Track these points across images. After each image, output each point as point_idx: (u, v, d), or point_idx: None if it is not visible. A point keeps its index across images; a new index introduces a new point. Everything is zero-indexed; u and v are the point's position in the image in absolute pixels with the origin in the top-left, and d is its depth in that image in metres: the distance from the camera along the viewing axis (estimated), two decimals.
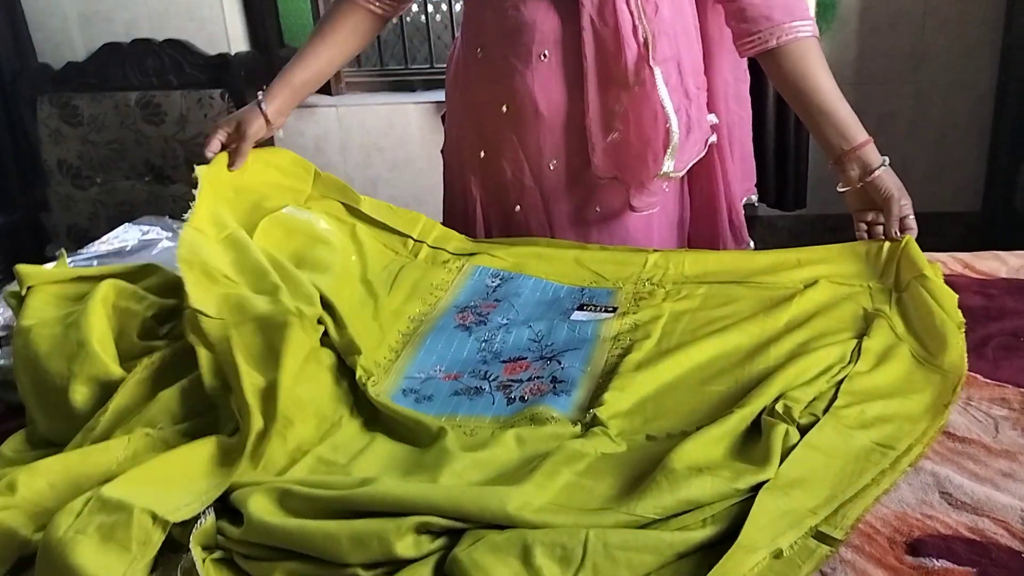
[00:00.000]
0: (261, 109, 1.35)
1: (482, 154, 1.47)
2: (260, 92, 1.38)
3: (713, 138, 1.44)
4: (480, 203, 1.51)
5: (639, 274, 1.30)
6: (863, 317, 1.12)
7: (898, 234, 1.26)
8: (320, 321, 1.06)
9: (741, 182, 1.56)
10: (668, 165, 1.33)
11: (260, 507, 0.79)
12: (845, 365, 1.01)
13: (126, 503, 0.75)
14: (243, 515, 0.80)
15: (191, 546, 0.76)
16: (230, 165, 1.28)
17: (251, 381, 0.93)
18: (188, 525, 0.78)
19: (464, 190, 1.52)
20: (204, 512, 0.80)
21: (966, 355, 1.04)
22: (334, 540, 0.75)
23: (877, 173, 1.28)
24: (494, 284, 1.31)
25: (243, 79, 2.59)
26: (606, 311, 1.20)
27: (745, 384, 1.00)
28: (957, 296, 1.14)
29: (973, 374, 1.03)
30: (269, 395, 0.92)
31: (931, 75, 2.77)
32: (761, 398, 0.94)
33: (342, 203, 1.37)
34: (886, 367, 1.02)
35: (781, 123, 2.65)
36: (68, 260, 1.24)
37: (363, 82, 3.16)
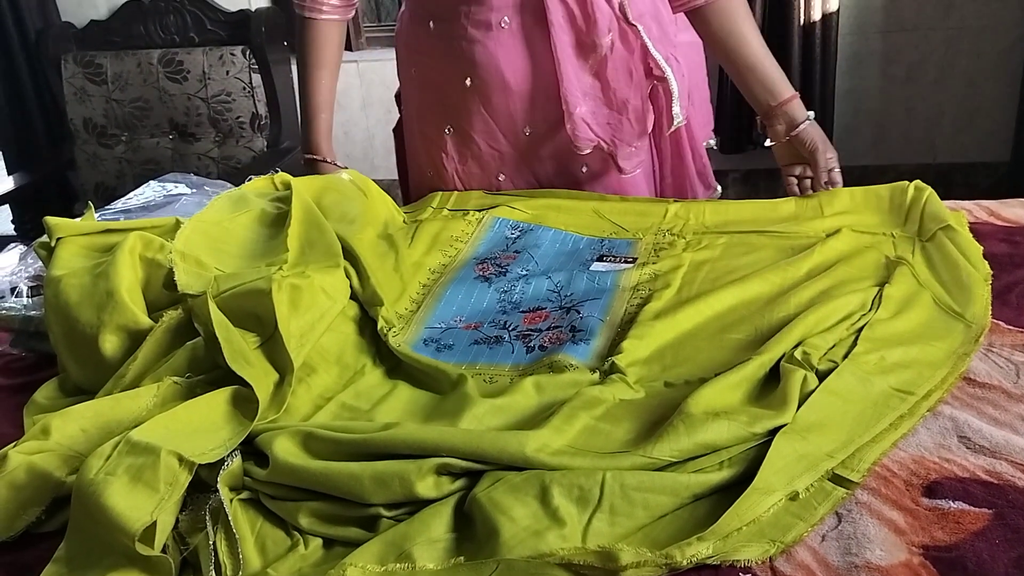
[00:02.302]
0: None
1: (448, 130, 1.42)
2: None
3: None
4: (459, 177, 1.46)
5: (659, 224, 1.29)
6: (885, 265, 1.12)
7: (826, 185, 1.28)
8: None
9: (702, 127, 1.54)
10: (676, 112, 1.33)
11: (285, 449, 0.81)
12: (866, 312, 1.01)
13: (153, 446, 0.77)
14: (268, 457, 0.82)
15: (219, 486, 0.78)
16: None
17: (248, 339, 0.95)
18: (216, 467, 0.80)
19: (437, 167, 1.47)
20: (231, 454, 0.82)
21: (991, 306, 1.04)
22: (357, 480, 0.77)
23: (802, 127, 1.30)
24: (514, 236, 1.32)
25: (264, 35, 2.59)
26: (626, 261, 1.20)
27: (765, 332, 1.00)
28: (982, 248, 1.13)
29: (996, 321, 1.02)
30: (272, 348, 0.94)
31: (961, 21, 2.70)
32: (780, 345, 0.94)
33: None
34: (907, 314, 1.01)
35: (805, 71, 2.61)
36: (95, 215, 1.25)
37: (383, 37, 3.14)
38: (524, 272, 1.21)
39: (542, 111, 1.34)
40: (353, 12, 1.47)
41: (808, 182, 1.32)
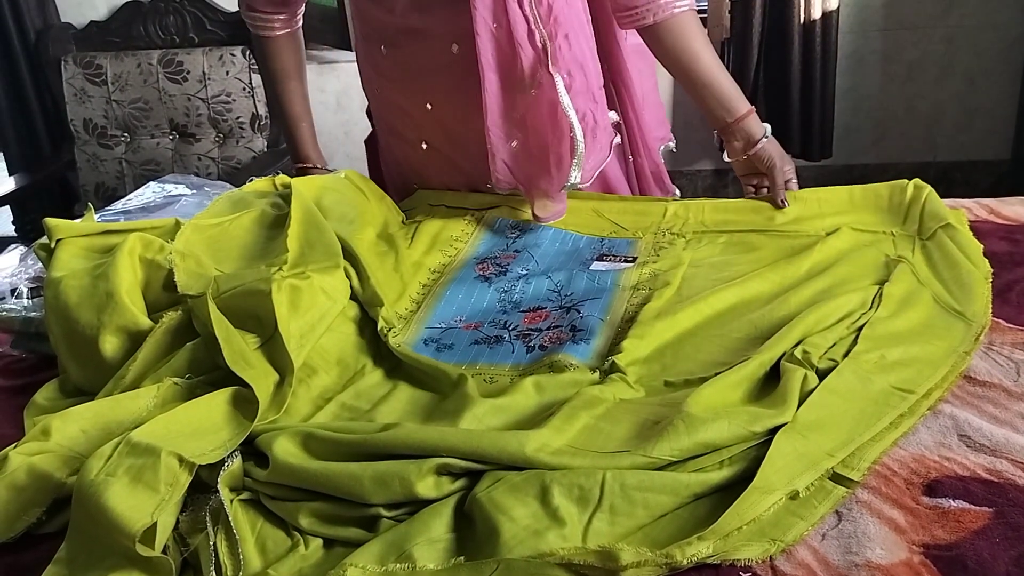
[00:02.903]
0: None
1: (424, 146, 1.39)
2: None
3: (617, 139, 1.38)
4: (446, 187, 1.43)
5: (659, 223, 1.29)
6: (885, 264, 1.12)
7: (784, 201, 1.27)
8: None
9: (654, 131, 1.52)
10: (574, 176, 1.25)
11: (285, 450, 0.81)
12: (866, 311, 1.01)
13: (154, 447, 0.77)
14: (269, 458, 0.82)
15: (219, 487, 0.78)
16: None
17: (248, 340, 0.95)
18: (216, 467, 0.80)
19: (422, 178, 1.45)
20: (231, 455, 0.82)
21: (991, 304, 1.04)
22: (357, 481, 0.77)
23: (760, 146, 1.30)
24: (513, 235, 1.32)
25: None
26: (626, 261, 1.20)
27: (765, 331, 1.00)
28: (982, 246, 1.13)
29: (996, 319, 1.02)
30: (272, 349, 0.94)
31: (961, 19, 2.70)
32: (780, 344, 0.94)
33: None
34: (907, 313, 1.01)
35: (806, 71, 2.60)
36: (95, 216, 1.25)
37: None
38: (524, 272, 1.21)
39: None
40: (301, 18, 1.50)
41: (766, 191, 1.33)
